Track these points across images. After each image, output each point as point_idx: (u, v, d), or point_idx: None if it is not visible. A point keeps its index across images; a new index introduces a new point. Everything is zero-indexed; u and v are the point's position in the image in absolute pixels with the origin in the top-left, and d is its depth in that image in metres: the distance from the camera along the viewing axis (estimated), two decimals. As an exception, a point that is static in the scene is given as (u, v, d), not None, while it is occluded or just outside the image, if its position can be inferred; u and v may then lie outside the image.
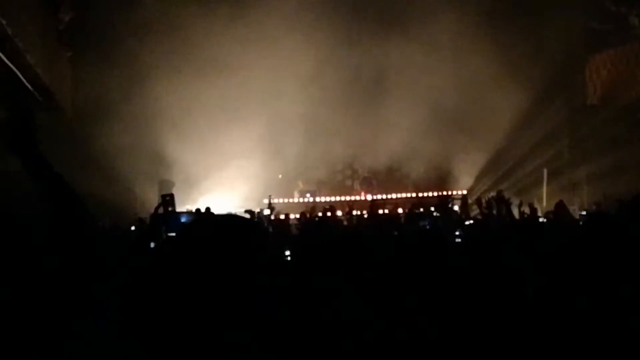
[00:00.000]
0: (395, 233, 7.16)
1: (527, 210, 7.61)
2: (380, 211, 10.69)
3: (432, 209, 8.56)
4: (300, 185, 16.61)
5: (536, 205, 14.02)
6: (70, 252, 1.67)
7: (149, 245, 3.20)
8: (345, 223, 8.02)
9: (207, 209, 3.96)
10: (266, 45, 13.86)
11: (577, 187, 14.59)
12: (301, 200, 15.74)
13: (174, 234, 1.69)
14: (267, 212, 10.45)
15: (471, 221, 7.61)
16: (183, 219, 6.45)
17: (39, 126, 1.76)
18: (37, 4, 10.66)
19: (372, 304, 2.99)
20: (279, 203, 13.86)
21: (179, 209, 12.19)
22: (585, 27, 14.80)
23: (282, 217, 10.33)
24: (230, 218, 1.62)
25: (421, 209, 8.73)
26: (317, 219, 7.94)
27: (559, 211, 7.79)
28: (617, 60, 15.42)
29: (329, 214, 8.38)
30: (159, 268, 1.59)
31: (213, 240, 1.51)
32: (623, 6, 14.59)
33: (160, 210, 3.56)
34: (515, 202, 7.82)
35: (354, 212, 10.17)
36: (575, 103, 16.36)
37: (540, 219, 7.80)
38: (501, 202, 5.37)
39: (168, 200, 3.53)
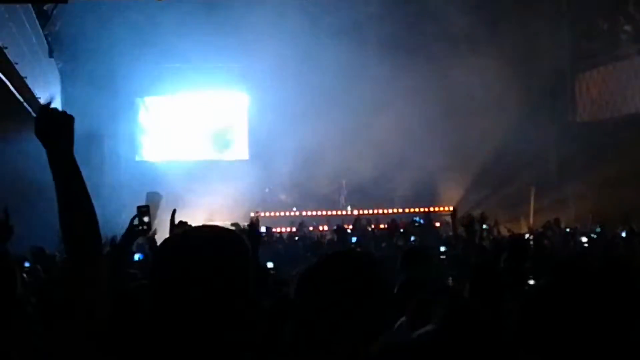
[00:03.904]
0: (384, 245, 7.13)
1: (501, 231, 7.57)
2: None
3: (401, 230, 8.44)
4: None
5: (522, 222, 14.01)
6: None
7: (121, 265, 3.12)
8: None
9: (181, 222, 3.51)
10: (253, 62, 13.95)
11: (565, 205, 14.52)
12: (289, 213, 15.60)
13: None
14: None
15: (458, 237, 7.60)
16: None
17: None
18: (27, 15, 10.64)
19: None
20: (264, 217, 13.81)
21: (165, 221, 12.15)
22: (576, 45, 14.88)
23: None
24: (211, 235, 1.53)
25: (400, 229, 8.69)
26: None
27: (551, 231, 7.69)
28: (607, 77, 15.45)
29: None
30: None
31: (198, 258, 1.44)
32: (614, 24, 14.65)
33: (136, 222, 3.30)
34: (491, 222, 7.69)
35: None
36: (564, 120, 16.41)
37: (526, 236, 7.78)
38: (472, 225, 5.33)
39: (144, 211, 3.24)
